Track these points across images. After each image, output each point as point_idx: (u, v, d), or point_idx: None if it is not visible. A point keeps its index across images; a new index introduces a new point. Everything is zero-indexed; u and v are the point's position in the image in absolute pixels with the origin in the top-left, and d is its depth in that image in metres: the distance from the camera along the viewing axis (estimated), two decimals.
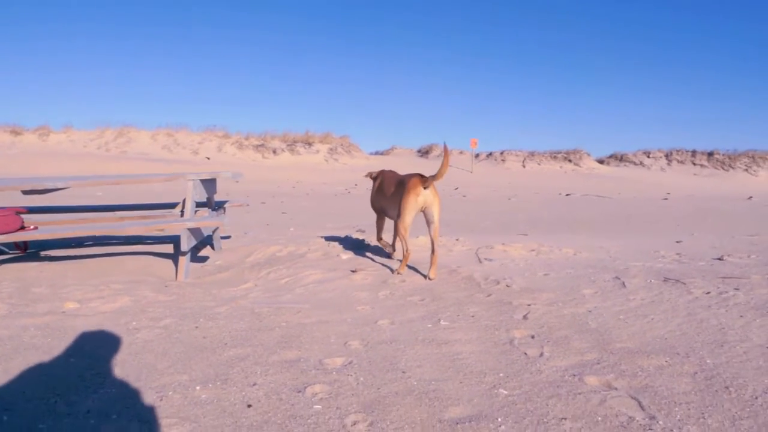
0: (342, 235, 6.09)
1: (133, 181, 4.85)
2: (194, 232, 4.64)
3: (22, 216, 4.59)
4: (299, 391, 2.22)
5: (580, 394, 2.17)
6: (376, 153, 32.14)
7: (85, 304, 3.57)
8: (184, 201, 4.95)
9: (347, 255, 4.87)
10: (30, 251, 5.23)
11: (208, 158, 25.63)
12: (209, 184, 5.28)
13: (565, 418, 1.98)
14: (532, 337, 2.85)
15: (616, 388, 2.21)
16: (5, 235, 4.26)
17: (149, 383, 2.30)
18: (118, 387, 2.27)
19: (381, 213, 4.89)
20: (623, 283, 3.90)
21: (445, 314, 3.27)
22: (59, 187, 4.68)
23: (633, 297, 3.55)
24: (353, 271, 4.27)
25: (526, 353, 2.63)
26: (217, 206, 5.82)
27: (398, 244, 4.81)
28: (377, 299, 3.65)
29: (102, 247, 5.50)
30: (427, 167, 26.93)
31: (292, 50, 53.31)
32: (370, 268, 4.42)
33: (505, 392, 2.21)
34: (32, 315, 3.33)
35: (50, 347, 2.76)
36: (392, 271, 4.33)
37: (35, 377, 2.38)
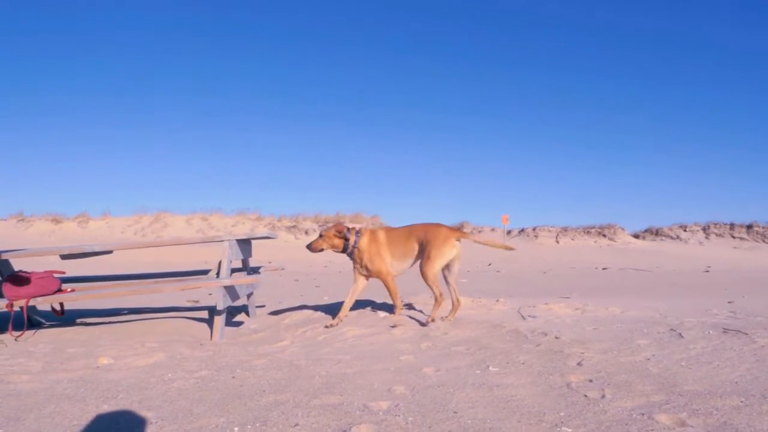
0: (377, 300, 5.96)
1: (172, 243, 4.92)
2: (230, 291, 4.61)
3: (59, 278, 4.65)
4: (344, 431, 2.05)
5: (652, 430, 1.95)
6: None
7: (120, 360, 3.49)
8: (220, 263, 4.97)
9: (385, 313, 4.73)
10: (66, 318, 5.24)
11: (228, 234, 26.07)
12: (245, 246, 5.31)
13: None
14: (590, 381, 2.63)
15: (692, 426, 1.99)
16: (43, 297, 4.29)
17: (185, 425, 2.17)
18: (152, 429, 2.14)
19: (371, 275, 4.62)
20: (680, 334, 3.65)
21: (494, 362, 3.08)
22: (96, 251, 4.76)
23: (693, 346, 3.30)
24: (393, 327, 4.12)
25: (586, 395, 2.41)
26: (252, 271, 5.81)
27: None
28: (420, 350, 3.48)
29: (138, 315, 5.49)
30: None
31: (322, 133, 55.69)
32: (409, 324, 4.26)
33: (569, 430, 2.00)
34: (66, 370, 3.26)
35: (83, 396, 2.67)
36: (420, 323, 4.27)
37: (67, 422, 2.28)
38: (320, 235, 4.60)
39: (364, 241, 4.50)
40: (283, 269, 7.52)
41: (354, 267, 4.65)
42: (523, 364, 3.01)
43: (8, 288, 4.09)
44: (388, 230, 4.69)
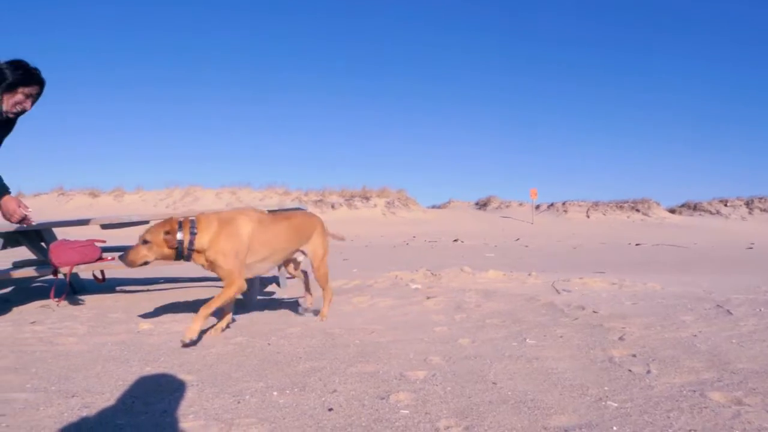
0: (408, 273, 5.94)
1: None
2: None
3: (101, 247, 4.74)
4: (382, 398, 2.04)
5: (706, 408, 1.88)
6: (434, 206, 32.13)
7: (159, 326, 3.56)
8: None
9: (416, 285, 4.71)
10: (107, 286, 5.37)
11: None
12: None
13: (694, 430, 1.70)
14: (634, 356, 2.56)
15: (749, 405, 1.90)
16: (86, 265, 4.39)
17: (225, 389, 2.19)
18: (193, 391, 2.17)
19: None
20: (728, 311, 3.52)
21: (530, 334, 3.02)
22: (134, 221, 4.84)
23: (743, 323, 3.18)
24: (428, 298, 4.09)
25: (630, 370, 2.34)
26: None
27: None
28: (454, 321, 3.45)
29: (173, 284, 5.59)
30: (486, 220, 26.48)
31: (348, 106, 55.50)
32: (442, 295, 4.23)
33: (615, 404, 1.94)
34: (110, 334, 3.35)
35: (127, 359, 2.73)
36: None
37: (113, 382, 2.33)
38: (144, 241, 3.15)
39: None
40: (344, 239, 7.54)
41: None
42: (561, 337, 2.95)
43: (54, 256, 4.19)
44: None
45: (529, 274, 5.47)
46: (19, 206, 3.25)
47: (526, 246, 15.70)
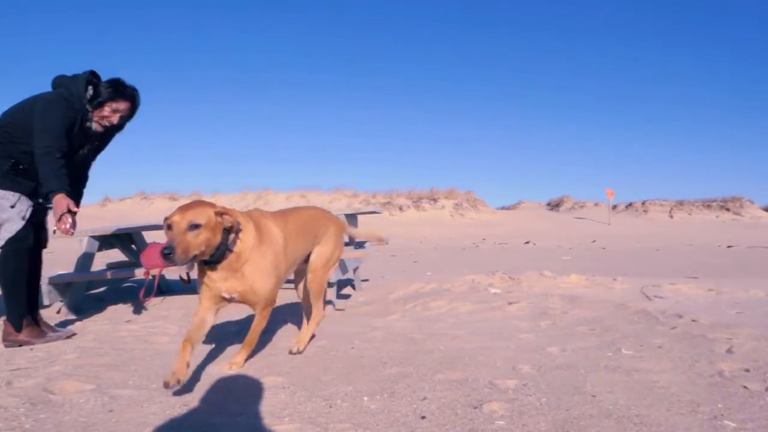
0: (485, 276, 5.82)
1: None
2: (340, 265, 4.68)
3: None
4: (475, 407, 1.98)
5: None
6: (503, 208, 31.49)
7: (245, 327, 3.67)
8: None
9: (496, 289, 4.59)
10: (192, 287, 5.63)
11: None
12: (352, 220, 5.37)
13: None
14: (747, 370, 2.35)
15: None
16: (175, 267, 4.61)
17: (316, 392, 2.21)
18: (285, 394, 2.20)
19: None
20: None
21: (625, 344, 2.85)
22: None
23: None
24: (509, 303, 3.98)
25: (745, 387, 2.15)
26: (359, 245, 5.89)
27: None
28: (539, 328, 3.32)
29: None
30: (559, 221, 25.61)
31: (415, 108, 55.56)
32: (524, 300, 4.10)
33: (733, 425, 1.78)
34: None
35: (221, 359, 2.82)
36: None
37: (206, 381, 2.41)
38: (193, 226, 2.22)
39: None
40: (387, 243, 7.57)
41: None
42: (659, 348, 2.76)
43: (145, 258, 4.44)
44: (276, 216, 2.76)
45: (615, 279, 5.20)
46: (68, 210, 3.02)
47: (603, 248, 15.03)
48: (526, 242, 16.93)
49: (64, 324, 3.80)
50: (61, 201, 2.99)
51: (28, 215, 3.16)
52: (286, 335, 3.39)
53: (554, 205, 30.42)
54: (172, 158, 50.38)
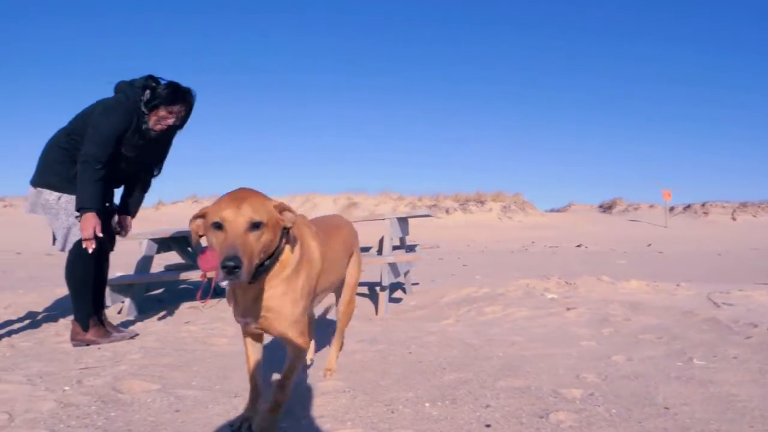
0: (540, 281, 5.69)
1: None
2: (393, 269, 4.68)
3: None
4: (541, 417, 1.92)
5: None
6: (552, 210, 30.78)
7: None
8: (381, 240, 5.07)
9: (552, 294, 4.47)
10: None
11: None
12: (403, 224, 5.36)
13: None
14: None
15: None
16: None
17: (376, 397, 2.20)
18: (346, 398, 2.20)
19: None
20: None
21: (696, 354, 2.71)
22: None
23: None
24: (567, 309, 3.86)
25: None
26: (409, 249, 5.86)
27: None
28: (601, 336, 3.20)
29: None
30: (611, 223, 24.78)
31: (460, 111, 55.19)
32: (583, 306, 3.97)
33: None
34: None
35: (279, 361, 2.85)
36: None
37: (267, 383, 2.44)
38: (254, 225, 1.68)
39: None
40: (438, 247, 7.52)
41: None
42: (735, 358, 2.61)
43: (203, 261, 4.57)
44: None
45: (678, 285, 4.97)
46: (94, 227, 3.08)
47: (661, 252, 14.44)
48: (578, 245, 16.47)
49: (125, 324, 3.95)
50: (88, 222, 3.05)
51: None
52: (347, 335, 3.40)
53: (606, 208, 29.49)
54: (221, 161, 51.89)
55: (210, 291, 4.29)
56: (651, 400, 2.07)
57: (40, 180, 3.28)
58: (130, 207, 3.62)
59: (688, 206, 27.41)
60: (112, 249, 3.56)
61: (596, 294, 4.47)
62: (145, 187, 3.69)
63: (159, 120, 3.30)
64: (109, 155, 3.14)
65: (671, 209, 26.51)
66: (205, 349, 3.20)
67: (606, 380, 2.35)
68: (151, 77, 3.33)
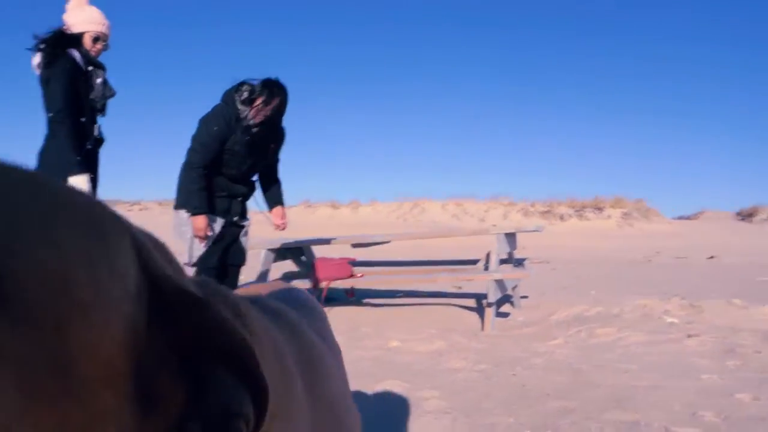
0: (659, 301, 5.34)
1: (443, 235, 5.22)
2: (499, 284, 4.68)
3: (352, 265, 5.38)
4: None
5: None
6: (680, 217, 28.32)
7: (405, 343, 3.87)
8: (488, 255, 5.08)
9: (672, 318, 4.21)
10: (355, 298, 6.05)
11: (494, 225, 26.43)
12: (511, 238, 5.32)
13: None
14: None
15: None
16: (340, 280, 5.04)
17: (477, 420, 2.28)
18: (448, 419, 2.30)
19: None
20: None
21: None
22: (378, 241, 5.37)
23: None
24: (688, 336, 3.63)
25: None
26: (517, 263, 5.80)
27: None
28: (725, 369, 2.98)
29: (411, 298, 6.01)
30: (752, 233, 22.30)
31: (577, 114, 52.65)
32: (706, 334, 3.70)
33: None
34: (364, 349, 3.75)
35: (382, 376, 3.02)
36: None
37: (367, 396, 2.61)
38: None
39: None
40: (548, 263, 7.35)
41: None
42: None
43: (318, 270, 4.91)
44: None
45: None
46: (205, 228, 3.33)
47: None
48: (711, 257, 15.02)
49: None
50: (197, 224, 3.29)
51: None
52: (452, 351, 3.49)
53: (746, 215, 26.51)
54: (333, 166, 54.13)
55: (322, 299, 4.58)
56: None
57: (177, 201, 3.64)
58: (273, 200, 3.82)
59: None
60: (242, 263, 3.85)
61: (724, 320, 4.11)
62: (274, 178, 3.84)
63: (258, 111, 3.39)
64: (210, 160, 3.34)
65: None
66: None
67: (726, 420, 2.21)
68: (245, 81, 3.47)
